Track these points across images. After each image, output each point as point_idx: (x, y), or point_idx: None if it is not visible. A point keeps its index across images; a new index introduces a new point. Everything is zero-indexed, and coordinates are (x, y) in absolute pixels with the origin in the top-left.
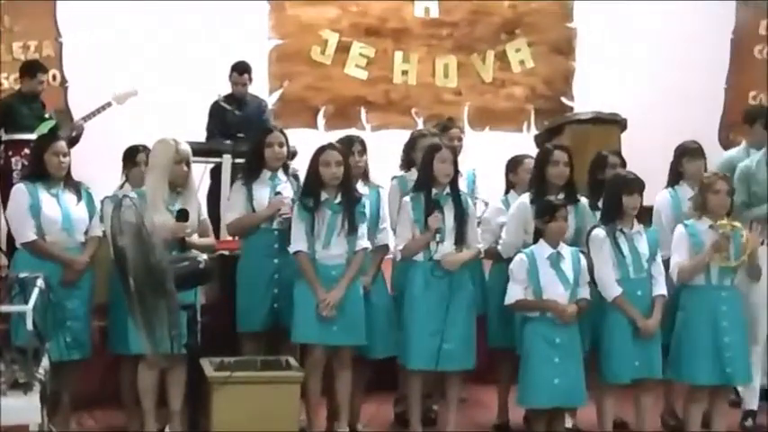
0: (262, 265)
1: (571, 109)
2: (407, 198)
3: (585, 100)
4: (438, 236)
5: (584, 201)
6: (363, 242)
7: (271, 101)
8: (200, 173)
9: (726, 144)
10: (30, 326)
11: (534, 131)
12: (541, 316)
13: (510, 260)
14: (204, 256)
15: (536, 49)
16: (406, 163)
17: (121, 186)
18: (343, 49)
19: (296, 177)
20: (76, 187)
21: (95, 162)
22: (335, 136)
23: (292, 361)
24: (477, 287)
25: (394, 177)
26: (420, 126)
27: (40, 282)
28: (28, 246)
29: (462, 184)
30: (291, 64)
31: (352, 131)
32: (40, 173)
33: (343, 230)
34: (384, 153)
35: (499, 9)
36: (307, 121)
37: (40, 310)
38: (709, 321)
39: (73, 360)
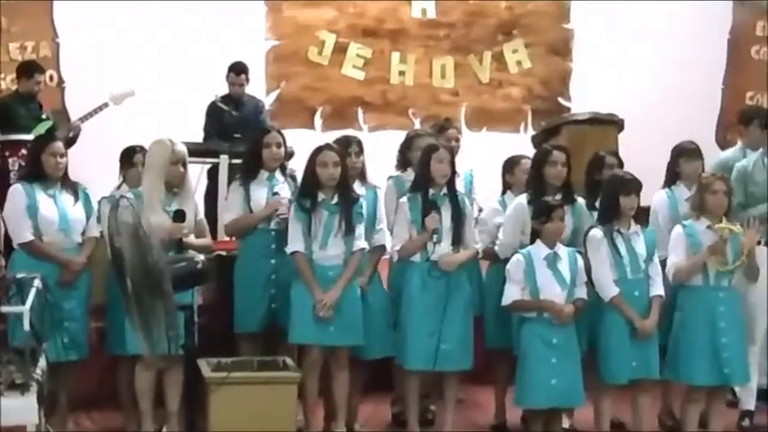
0: (259, 265)
1: (568, 109)
2: (404, 198)
3: (582, 100)
4: (435, 236)
5: (581, 201)
6: (360, 243)
7: (268, 101)
8: (198, 173)
9: (723, 144)
10: (27, 326)
11: (531, 132)
12: (538, 316)
13: (507, 261)
14: (201, 257)
15: (533, 50)
16: (402, 163)
17: (119, 187)
18: (340, 49)
19: (293, 178)
20: (74, 188)
21: (92, 162)
22: (332, 136)
23: (289, 361)
24: (474, 288)
25: (390, 177)
26: (417, 126)
27: (37, 282)
28: (25, 246)
29: (459, 185)
30: (288, 65)
31: (350, 132)
32: (37, 173)
33: (341, 231)
34: (381, 153)
35: (496, 10)
36: (304, 122)
37: (38, 310)
38: (707, 322)
39: (70, 361)
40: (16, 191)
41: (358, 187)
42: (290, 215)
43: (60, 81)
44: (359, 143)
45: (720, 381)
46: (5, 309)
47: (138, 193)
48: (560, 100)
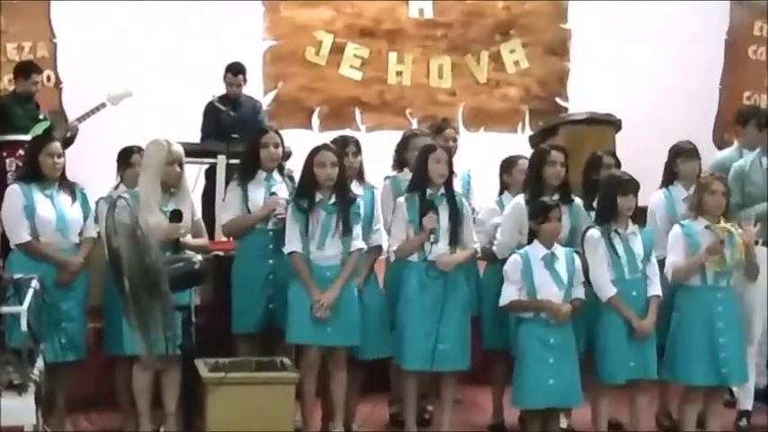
0: (257, 265)
1: (566, 109)
2: (402, 198)
3: (580, 100)
4: (432, 236)
5: (578, 201)
6: (358, 243)
7: (265, 102)
8: (195, 174)
9: (720, 144)
10: (24, 327)
11: (529, 132)
12: (536, 317)
13: (504, 261)
14: (199, 257)
15: (530, 50)
16: (399, 163)
17: (116, 187)
18: (337, 49)
19: (291, 178)
20: (71, 188)
21: (90, 163)
22: (330, 137)
23: (287, 362)
24: (471, 288)
25: (386, 178)
26: (415, 126)
27: (34, 283)
28: (22, 247)
29: (457, 185)
30: (286, 65)
31: (347, 132)
32: (34, 174)
33: (338, 231)
34: (379, 154)
35: (493, 10)
36: (301, 122)
37: (35, 311)
38: (705, 322)
39: (68, 361)
40: (13, 191)
41: (355, 187)
42: (287, 215)
43: (58, 81)
44: (356, 143)
45: (718, 381)
46: (3, 309)
47: (136, 194)
48: (558, 100)
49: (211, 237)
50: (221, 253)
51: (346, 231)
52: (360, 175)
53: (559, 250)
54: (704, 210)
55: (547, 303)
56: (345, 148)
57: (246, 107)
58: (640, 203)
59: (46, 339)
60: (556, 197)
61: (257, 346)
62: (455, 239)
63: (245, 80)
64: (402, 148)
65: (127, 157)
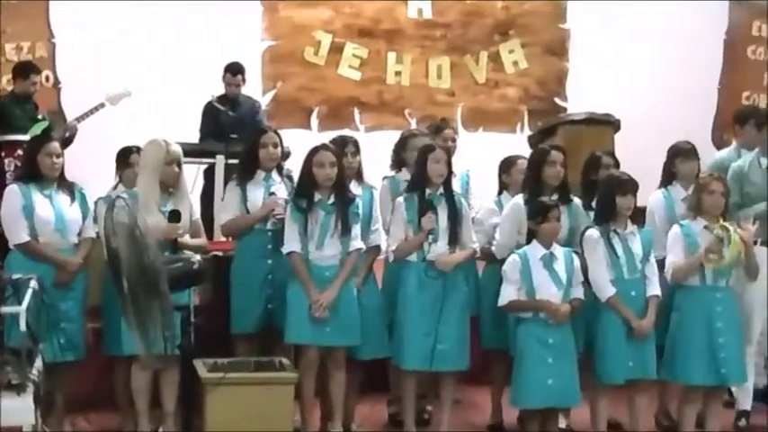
0: (255, 265)
1: (564, 110)
2: (401, 198)
3: (579, 101)
4: (431, 236)
5: (577, 201)
6: (357, 243)
7: (264, 102)
8: (194, 174)
9: (719, 144)
10: (23, 327)
11: (528, 132)
12: (534, 317)
13: (503, 261)
14: (198, 257)
15: (529, 50)
16: (397, 163)
17: (115, 187)
18: (336, 49)
19: (290, 178)
20: (70, 188)
21: (89, 163)
22: (329, 137)
23: (286, 362)
24: (470, 288)
25: (385, 178)
26: (414, 127)
27: (33, 283)
28: (21, 247)
29: (456, 185)
30: (285, 65)
31: (346, 132)
32: (33, 174)
33: (337, 231)
34: (377, 154)
35: (492, 10)
36: (300, 122)
37: (34, 311)
38: (704, 322)
39: (67, 361)
40: (12, 191)
41: (354, 187)
42: (286, 215)
43: (56, 82)
44: (355, 143)
45: (717, 381)
46: (2, 309)
47: (135, 194)
48: (557, 100)
49: (210, 237)
50: (220, 253)
51: (345, 231)
52: (359, 175)
53: (558, 250)
54: (703, 210)
55: (546, 303)
56: (344, 148)
57: (245, 107)
58: (639, 203)
59: (45, 339)
60: (555, 197)
61: (256, 346)
62: (454, 239)
63: (243, 80)
64: (400, 148)
65: (126, 157)
